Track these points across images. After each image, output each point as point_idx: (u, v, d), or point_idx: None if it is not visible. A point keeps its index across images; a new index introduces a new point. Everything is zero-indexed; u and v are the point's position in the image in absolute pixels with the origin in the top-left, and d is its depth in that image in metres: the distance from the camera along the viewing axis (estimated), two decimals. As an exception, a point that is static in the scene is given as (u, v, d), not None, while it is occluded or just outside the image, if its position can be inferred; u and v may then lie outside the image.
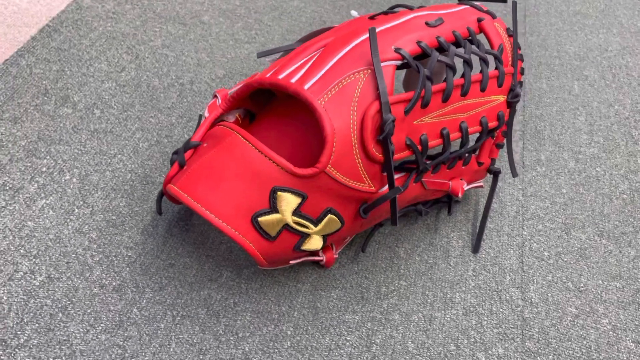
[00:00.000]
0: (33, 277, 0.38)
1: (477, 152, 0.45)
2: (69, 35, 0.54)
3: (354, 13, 0.49)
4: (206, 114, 0.42)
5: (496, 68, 0.42)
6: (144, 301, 0.38)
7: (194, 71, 0.55)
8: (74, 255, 0.40)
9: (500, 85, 0.42)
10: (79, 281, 0.38)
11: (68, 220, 0.41)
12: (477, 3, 0.46)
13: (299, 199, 0.35)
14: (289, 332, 0.39)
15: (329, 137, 0.34)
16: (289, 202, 0.35)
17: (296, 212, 0.36)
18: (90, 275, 0.39)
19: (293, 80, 0.36)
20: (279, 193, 0.35)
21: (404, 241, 0.46)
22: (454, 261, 0.45)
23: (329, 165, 0.35)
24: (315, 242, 0.38)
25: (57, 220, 0.41)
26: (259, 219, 0.35)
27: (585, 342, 0.42)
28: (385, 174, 0.37)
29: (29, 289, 0.37)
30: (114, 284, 0.39)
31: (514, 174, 0.46)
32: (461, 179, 0.45)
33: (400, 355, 0.39)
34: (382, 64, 0.36)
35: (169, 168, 0.46)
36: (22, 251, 0.39)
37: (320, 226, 0.37)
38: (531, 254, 0.47)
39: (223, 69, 0.56)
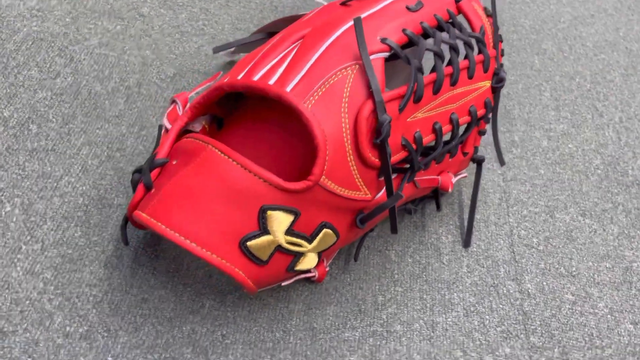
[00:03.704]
0: (-19, 334, 0.32)
1: (462, 143, 0.43)
2: (-12, 39, 0.47)
3: (321, 0, 0.44)
4: (166, 124, 0.37)
5: (480, 52, 0.39)
6: (119, 347, 0.33)
7: (140, 72, 0.49)
8: (27, 302, 0.34)
9: (486, 71, 0.39)
10: (39, 332, 0.33)
11: (15, 261, 0.35)
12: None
13: (292, 217, 0.31)
14: (287, 361, 0.35)
15: (321, 145, 0.30)
16: (280, 221, 0.31)
17: (289, 231, 0.32)
18: (51, 323, 0.33)
19: (271, 82, 0.32)
20: (269, 212, 0.31)
21: (393, 243, 0.43)
22: (447, 259, 0.43)
23: (323, 176, 0.31)
24: (310, 261, 0.34)
25: (3, 262, 0.35)
26: (248, 243, 0.31)
27: (586, 330, 0.41)
28: (381, 179, 0.34)
29: (-22, 349, 0.32)
30: (80, 330, 0.33)
31: (502, 162, 0.43)
32: (448, 172, 0.42)
33: (407, 370, 0.36)
34: (371, 57, 0.32)
35: (128, 188, 0.41)
36: (-37, 304, 0.33)
37: (315, 243, 0.33)
38: (520, 242, 0.45)
39: (172, 66, 0.50)
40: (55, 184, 0.40)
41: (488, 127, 0.54)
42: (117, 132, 0.44)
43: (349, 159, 0.31)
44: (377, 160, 0.32)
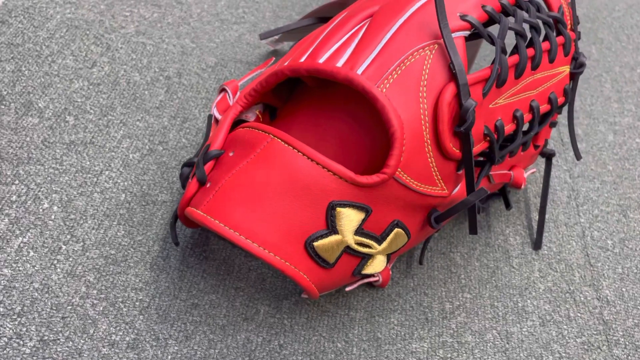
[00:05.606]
0: (21, 342, 0.29)
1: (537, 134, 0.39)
2: (21, 27, 0.44)
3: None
4: (216, 114, 0.34)
5: (560, 34, 0.35)
6: (169, 357, 0.30)
7: (180, 61, 0.46)
8: (69, 308, 0.31)
9: (566, 54, 0.35)
10: (82, 341, 0.30)
11: (55, 262, 0.32)
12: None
13: (362, 214, 0.28)
14: (351, 375, 0.32)
15: (398, 133, 0.27)
16: (350, 219, 0.28)
17: (358, 231, 0.28)
18: (95, 331, 0.30)
19: (339, 64, 0.28)
20: (338, 209, 0.27)
21: (457, 245, 0.39)
22: (517, 262, 0.39)
23: (399, 169, 0.27)
24: (378, 264, 0.30)
25: (42, 264, 0.32)
26: (315, 243, 0.28)
27: (674, 342, 0.37)
28: (459, 172, 0.30)
29: (19, 359, 0.29)
30: (127, 339, 0.30)
31: (578, 156, 0.40)
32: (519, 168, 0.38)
33: (483, 386, 0.33)
34: (452, 35, 0.29)
35: (173, 184, 0.38)
36: (0, 309, 0.30)
37: (385, 244, 0.30)
38: (594, 244, 0.41)
39: (213, 55, 0.47)
40: (95, 179, 0.37)
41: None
42: (159, 124, 0.41)
43: (427, 149, 0.28)
44: (457, 151, 0.29)
